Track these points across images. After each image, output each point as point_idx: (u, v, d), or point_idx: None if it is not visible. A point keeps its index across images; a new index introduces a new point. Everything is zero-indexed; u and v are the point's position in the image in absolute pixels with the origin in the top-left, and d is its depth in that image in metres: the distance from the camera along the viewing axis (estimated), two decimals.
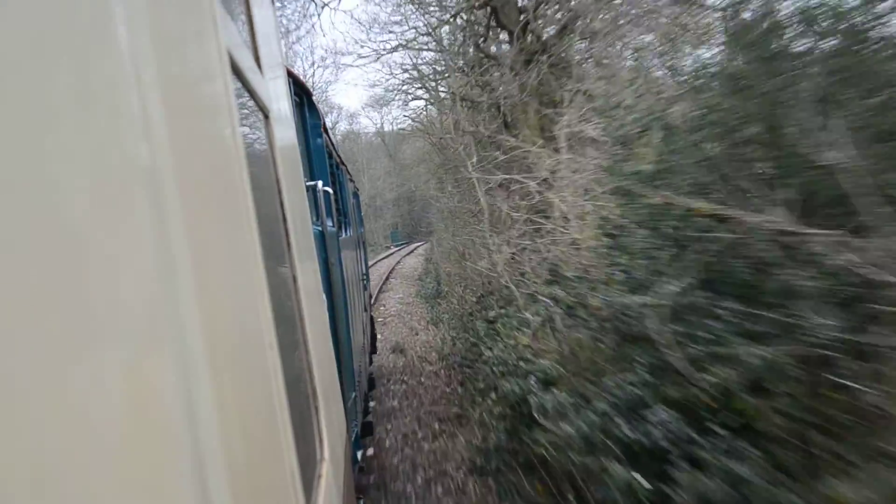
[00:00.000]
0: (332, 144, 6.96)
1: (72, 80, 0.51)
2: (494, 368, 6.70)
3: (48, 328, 0.44)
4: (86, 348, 0.48)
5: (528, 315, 6.85)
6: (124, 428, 0.51)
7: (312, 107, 5.56)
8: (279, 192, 1.59)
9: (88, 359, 0.48)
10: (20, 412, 0.40)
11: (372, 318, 13.82)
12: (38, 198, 0.45)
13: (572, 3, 11.10)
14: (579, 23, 10.68)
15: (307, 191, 4.52)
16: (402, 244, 63.54)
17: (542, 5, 11.90)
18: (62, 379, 0.44)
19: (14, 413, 0.39)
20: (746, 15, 3.68)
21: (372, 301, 21.26)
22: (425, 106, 28.18)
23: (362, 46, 26.89)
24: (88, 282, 0.50)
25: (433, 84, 25.37)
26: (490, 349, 7.27)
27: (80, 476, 0.44)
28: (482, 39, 15.25)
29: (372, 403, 9.63)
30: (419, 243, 62.63)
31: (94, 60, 0.55)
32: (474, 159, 13.17)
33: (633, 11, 9.43)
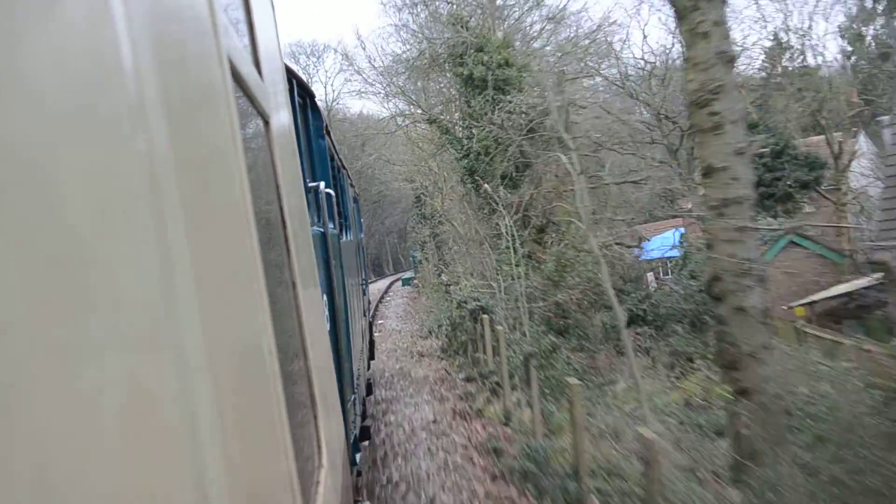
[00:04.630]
0: (334, 147, 6.96)
1: (71, 86, 0.51)
2: None
3: (47, 333, 0.44)
4: (85, 354, 0.48)
5: None
6: (124, 434, 0.51)
7: (315, 109, 5.57)
8: (279, 197, 1.59)
9: (88, 364, 0.48)
10: (20, 417, 0.40)
11: (370, 324, 13.72)
12: (39, 204, 0.45)
13: None
14: None
15: (309, 192, 4.53)
16: None
17: None
18: (61, 384, 0.44)
19: (14, 418, 0.40)
20: None
21: (371, 307, 16.97)
22: None
23: None
24: (88, 288, 0.49)
25: None
26: None
27: (80, 482, 0.44)
28: None
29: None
30: (381, 282, 36.24)
31: (93, 67, 0.55)
32: None
33: None
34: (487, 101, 16.36)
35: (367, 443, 8.12)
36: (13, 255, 0.41)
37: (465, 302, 13.67)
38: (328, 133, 6.08)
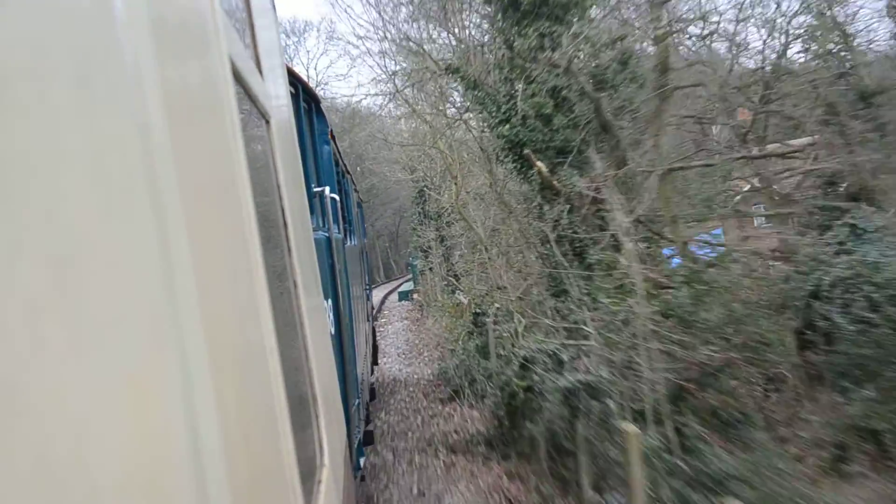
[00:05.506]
0: (339, 152, 6.99)
1: (73, 85, 0.52)
2: None
3: (51, 333, 0.44)
4: (88, 354, 0.48)
5: None
6: (125, 434, 0.51)
7: (320, 113, 5.60)
8: (280, 197, 1.59)
9: (90, 364, 0.48)
10: (22, 417, 0.40)
11: (374, 329, 13.63)
12: (41, 204, 0.45)
13: None
14: None
15: (315, 197, 4.54)
16: None
17: None
18: (64, 384, 0.44)
19: (16, 417, 0.40)
20: None
21: (374, 312, 15.92)
22: None
23: None
24: (91, 288, 0.50)
25: None
26: None
27: (81, 481, 0.44)
28: None
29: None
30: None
31: (95, 66, 0.56)
32: None
33: None
34: (544, 35, 9.83)
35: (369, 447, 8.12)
36: (14, 255, 0.42)
37: (533, 361, 7.01)
38: (333, 138, 6.11)
